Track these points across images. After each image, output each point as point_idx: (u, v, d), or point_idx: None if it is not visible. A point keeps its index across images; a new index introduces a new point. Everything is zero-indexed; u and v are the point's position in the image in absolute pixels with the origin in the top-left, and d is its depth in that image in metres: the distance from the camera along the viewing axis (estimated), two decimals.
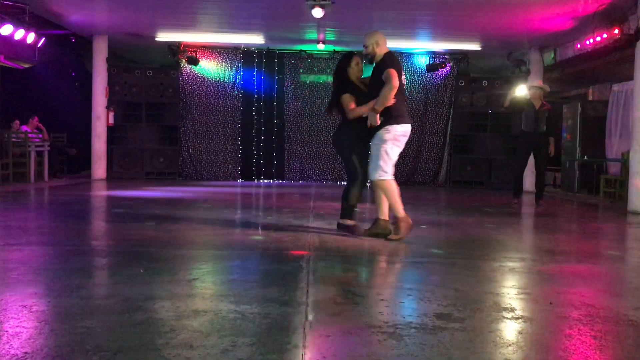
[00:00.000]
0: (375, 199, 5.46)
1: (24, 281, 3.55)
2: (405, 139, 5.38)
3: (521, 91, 9.85)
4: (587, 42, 10.27)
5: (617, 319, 3.03)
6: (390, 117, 5.24)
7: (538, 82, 9.59)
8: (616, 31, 9.29)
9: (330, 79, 11.95)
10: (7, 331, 2.56)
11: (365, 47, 5.47)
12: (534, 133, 8.85)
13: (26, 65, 12.65)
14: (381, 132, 5.27)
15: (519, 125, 9.32)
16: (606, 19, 9.34)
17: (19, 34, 10.26)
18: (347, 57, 5.68)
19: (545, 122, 8.88)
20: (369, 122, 5.20)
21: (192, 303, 3.10)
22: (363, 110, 5.27)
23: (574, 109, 12.58)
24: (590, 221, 8.22)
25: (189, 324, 2.72)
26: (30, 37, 10.65)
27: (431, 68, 13.49)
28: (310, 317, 2.89)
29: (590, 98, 13.79)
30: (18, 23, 10.08)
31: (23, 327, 2.63)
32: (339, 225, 5.61)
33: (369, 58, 5.50)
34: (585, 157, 11.94)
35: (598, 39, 9.78)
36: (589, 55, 10.81)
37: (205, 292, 3.38)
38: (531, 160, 9.15)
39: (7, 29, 9.74)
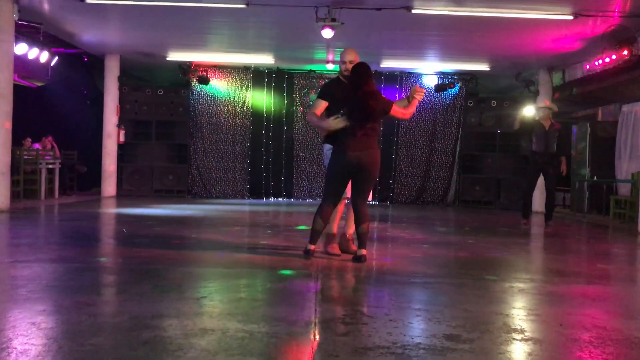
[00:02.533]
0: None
1: (33, 298, 3.55)
2: None
3: (529, 112, 9.87)
4: (596, 63, 10.28)
5: (629, 342, 2.99)
6: None
7: (545, 102, 9.60)
8: (625, 52, 9.30)
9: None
10: (15, 348, 2.56)
11: (352, 62, 5.26)
12: (545, 153, 8.83)
13: (39, 84, 12.81)
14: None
15: (529, 146, 9.29)
16: (615, 40, 9.35)
17: (33, 53, 10.41)
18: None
19: (555, 142, 8.87)
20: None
21: (200, 321, 3.09)
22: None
23: (584, 129, 12.55)
24: (600, 242, 8.15)
25: (197, 342, 2.71)
26: (44, 56, 10.81)
27: (440, 88, 13.53)
28: (319, 337, 2.88)
29: (600, 119, 13.76)
30: (32, 42, 10.23)
31: (32, 344, 2.64)
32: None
33: (347, 75, 5.28)
34: (595, 178, 11.88)
35: (607, 60, 9.79)
36: (597, 76, 10.81)
37: (213, 311, 3.37)
38: (541, 180, 9.13)
39: (21, 48, 9.89)
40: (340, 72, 5.44)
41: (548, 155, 8.83)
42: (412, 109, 5.27)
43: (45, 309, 3.30)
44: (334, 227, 5.47)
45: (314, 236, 5.22)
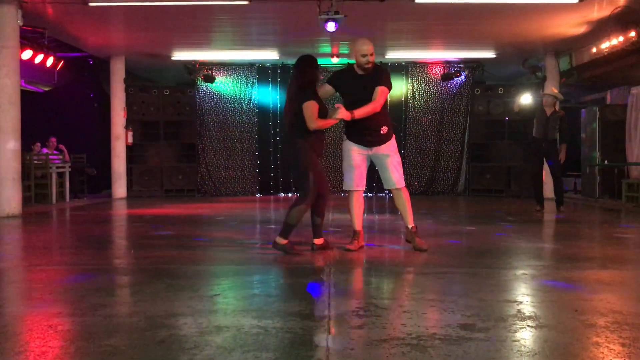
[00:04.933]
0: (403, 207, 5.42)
1: (49, 301, 3.58)
2: None
3: (526, 100, 9.82)
4: (603, 46, 10.19)
5: None
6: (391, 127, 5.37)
7: (552, 89, 9.52)
8: (632, 34, 9.21)
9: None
10: (33, 351, 2.59)
11: (372, 54, 5.19)
12: (543, 139, 8.79)
13: (46, 88, 12.89)
14: (393, 140, 5.36)
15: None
16: (621, 22, 9.27)
17: (39, 58, 10.46)
18: (312, 58, 5.30)
19: (556, 129, 8.80)
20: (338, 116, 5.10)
21: (215, 319, 3.11)
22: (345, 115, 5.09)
23: (593, 113, 12.46)
24: (612, 226, 8.10)
25: (212, 339, 2.72)
26: (50, 61, 10.86)
27: (446, 77, 13.47)
28: (333, 331, 2.88)
29: (609, 102, 13.65)
30: (37, 47, 10.28)
31: (49, 346, 2.66)
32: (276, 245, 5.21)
33: (368, 67, 5.20)
34: (606, 162, 11.79)
35: (614, 42, 9.70)
36: (605, 59, 10.71)
37: (227, 308, 3.39)
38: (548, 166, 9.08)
39: (27, 54, 9.94)
40: (359, 64, 5.24)
41: (547, 141, 8.78)
42: (323, 122, 5.13)
43: (61, 311, 3.32)
44: (356, 223, 5.43)
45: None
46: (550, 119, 8.77)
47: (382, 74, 5.30)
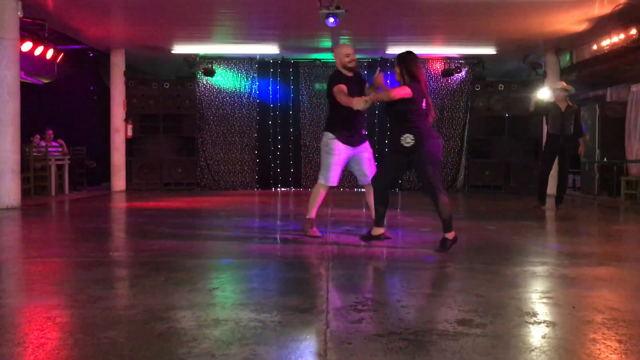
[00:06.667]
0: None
1: (47, 293, 3.59)
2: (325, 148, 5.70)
3: (544, 94, 9.76)
4: (604, 43, 10.17)
5: None
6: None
7: (562, 83, 9.46)
8: (633, 31, 9.20)
9: None
10: (32, 342, 2.60)
11: (354, 53, 5.68)
12: (560, 135, 8.74)
13: (46, 81, 12.87)
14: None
15: (539, 128, 9.19)
16: (622, 20, 9.25)
17: (39, 50, 10.44)
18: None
19: (572, 124, 8.75)
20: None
21: (213, 312, 3.12)
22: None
23: (592, 110, 12.45)
24: (611, 223, 8.11)
25: (210, 333, 2.73)
26: (50, 53, 10.84)
27: (446, 73, 13.46)
28: (331, 325, 2.89)
29: (609, 99, 13.64)
30: (37, 39, 10.26)
31: (47, 338, 2.67)
32: None
33: (352, 67, 5.65)
34: (605, 159, 11.80)
35: (615, 39, 9.69)
36: (605, 56, 10.70)
37: (225, 301, 3.40)
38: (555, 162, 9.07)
39: (27, 46, 9.92)
40: (343, 64, 5.61)
41: (564, 137, 8.74)
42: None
43: (60, 303, 3.33)
44: (314, 213, 5.76)
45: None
46: (566, 113, 8.72)
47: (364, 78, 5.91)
